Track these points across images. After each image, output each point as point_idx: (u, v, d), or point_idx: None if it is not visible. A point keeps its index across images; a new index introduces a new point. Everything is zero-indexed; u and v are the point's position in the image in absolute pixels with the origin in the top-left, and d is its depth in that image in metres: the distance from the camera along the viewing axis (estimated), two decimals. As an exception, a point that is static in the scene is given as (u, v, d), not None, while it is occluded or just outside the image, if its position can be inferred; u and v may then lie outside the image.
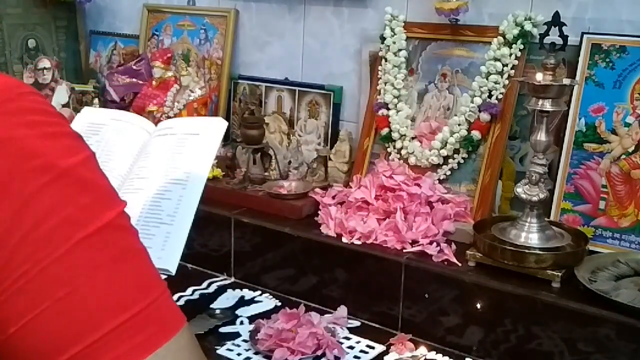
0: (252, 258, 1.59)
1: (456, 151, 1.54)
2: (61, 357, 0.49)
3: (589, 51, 1.42)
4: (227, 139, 1.94)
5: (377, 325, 1.41)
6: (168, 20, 2.10)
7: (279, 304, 1.50)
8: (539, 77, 1.28)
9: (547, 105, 1.27)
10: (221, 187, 1.69)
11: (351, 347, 1.33)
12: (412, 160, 1.58)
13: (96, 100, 2.04)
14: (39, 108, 0.53)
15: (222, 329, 1.39)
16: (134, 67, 2.02)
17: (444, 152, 1.54)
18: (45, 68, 2.03)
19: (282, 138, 1.88)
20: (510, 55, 1.48)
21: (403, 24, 1.63)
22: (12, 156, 0.49)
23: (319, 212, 1.55)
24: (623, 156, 1.38)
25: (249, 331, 1.36)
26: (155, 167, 1.21)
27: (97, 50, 2.28)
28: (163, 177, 1.19)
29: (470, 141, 1.51)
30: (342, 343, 1.33)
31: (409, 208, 1.46)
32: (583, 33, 1.43)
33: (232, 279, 1.62)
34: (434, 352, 1.31)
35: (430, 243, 1.40)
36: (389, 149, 1.63)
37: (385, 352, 1.32)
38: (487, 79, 1.50)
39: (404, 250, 1.40)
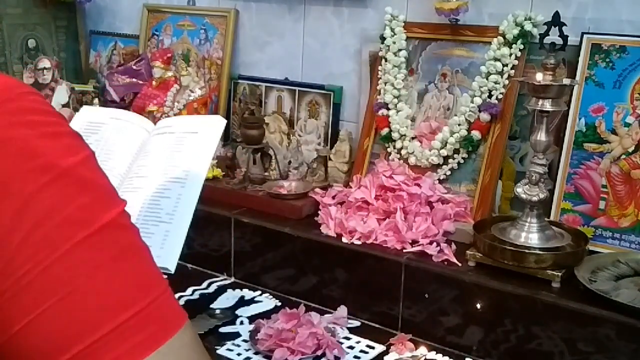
0: (252, 258, 1.59)
1: (456, 151, 1.54)
2: (63, 356, 0.49)
3: (589, 51, 1.42)
4: (227, 139, 1.94)
5: (377, 325, 1.41)
6: (168, 20, 2.10)
7: (279, 304, 1.50)
8: (539, 77, 1.28)
9: (547, 105, 1.27)
10: (221, 187, 1.69)
11: (351, 347, 1.33)
12: (412, 160, 1.58)
13: (96, 100, 2.04)
14: (38, 108, 0.53)
15: (222, 329, 1.39)
16: (134, 67, 2.02)
17: (444, 152, 1.54)
18: (45, 68, 2.03)
19: (282, 138, 1.88)
20: (510, 55, 1.48)
21: (403, 24, 1.63)
22: (12, 156, 0.49)
23: (319, 212, 1.55)
24: (623, 156, 1.38)
25: (249, 331, 1.35)
26: (155, 165, 1.21)
27: (97, 50, 2.28)
28: (162, 176, 1.19)
29: (470, 141, 1.51)
30: (342, 343, 1.33)
31: (409, 208, 1.46)
32: (583, 33, 1.43)
33: (232, 279, 1.62)
34: (434, 352, 1.31)
35: (430, 243, 1.40)
36: (389, 149, 1.63)
37: (385, 352, 1.32)
38: (487, 79, 1.50)
39: (404, 250, 1.40)
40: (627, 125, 1.38)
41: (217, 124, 1.23)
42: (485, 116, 1.49)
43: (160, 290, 0.53)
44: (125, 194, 1.16)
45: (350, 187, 1.59)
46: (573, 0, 1.47)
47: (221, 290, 1.57)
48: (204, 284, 1.59)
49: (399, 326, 1.38)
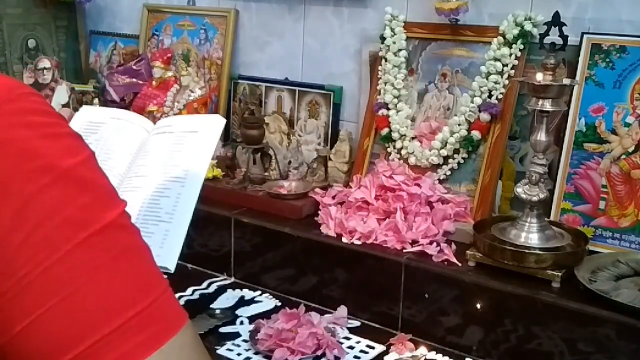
0: (252, 258, 1.59)
1: (456, 151, 1.54)
2: (65, 357, 0.49)
3: (589, 51, 1.42)
4: (227, 139, 1.94)
5: (377, 325, 1.41)
6: (168, 20, 2.10)
7: (279, 304, 1.50)
8: (539, 77, 1.28)
9: (547, 105, 1.27)
10: (221, 187, 1.69)
11: (351, 347, 1.33)
12: (412, 160, 1.58)
13: (96, 100, 2.04)
14: (38, 109, 0.53)
15: (222, 329, 1.39)
16: (134, 67, 2.02)
17: (444, 152, 1.54)
18: (45, 68, 2.03)
19: (282, 138, 1.88)
20: (510, 55, 1.48)
21: (403, 24, 1.63)
22: (12, 157, 0.50)
23: (319, 212, 1.55)
24: (623, 156, 1.38)
25: (249, 331, 1.35)
26: (154, 165, 1.21)
27: (97, 50, 2.28)
28: (162, 175, 1.19)
29: (470, 141, 1.51)
30: (342, 343, 1.33)
31: (409, 208, 1.46)
32: (583, 33, 1.43)
33: (232, 279, 1.62)
34: (434, 352, 1.31)
35: (430, 243, 1.40)
36: (389, 149, 1.63)
37: (385, 352, 1.32)
38: (487, 79, 1.50)
39: (404, 250, 1.40)
40: (627, 125, 1.38)
41: (216, 123, 1.23)
42: (485, 116, 1.49)
43: (161, 290, 0.53)
44: (124, 193, 1.16)
45: (350, 187, 1.59)
46: (573, 0, 1.47)
47: (221, 290, 1.57)
48: (204, 284, 1.59)
49: (399, 326, 1.38)
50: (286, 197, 1.63)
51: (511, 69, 1.49)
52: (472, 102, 1.51)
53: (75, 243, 0.49)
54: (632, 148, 1.37)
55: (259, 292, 1.56)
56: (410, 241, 1.41)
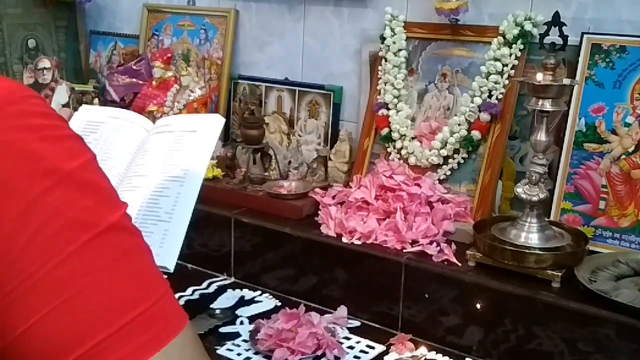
0: (252, 258, 1.59)
1: (456, 151, 1.54)
2: (68, 358, 0.49)
3: (589, 51, 1.42)
4: (227, 139, 1.94)
5: (377, 325, 1.41)
6: (168, 20, 2.10)
7: (279, 304, 1.50)
8: (539, 77, 1.28)
9: (547, 105, 1.27)
10: (221, 187, 1.69)
11: (351, 347, 1.33)
12: (412, 160, 1.58)
13: (96, 100, 2.04)
14: (40, 111, 0.53)
15: (222, 329, 1.39)
16: (134, 67, 2.02)
17: (444, 152, 1.54)
18: (45, 68, 2.03)
19: (282, 138, 1.88)
20: (510, 55, 1.48)
21: (403, 24, 1.63)
22: (14, 159, 0.50)
23: (319, 212, 1.55)
24: (623, 156, 1.38)
25: (249, 331, 1.35)
26: (153, 164, 1.21)
27: (97, 50, 2.28)
28: (161, 175, 1.19)
29: (470, 141, 1.51)
30: (342, 343, 1.33)
31: (409, 208, 1.46)
32: (583, 33, 1.43)
33: (232, 279, 1.62)
34: (434, 352, 1.31)
35: (430, 243, 1.40)
36: (389, 149, 1.63)
37: (385, 352, 1.32)
38: (487, 79, 1.50)
39: (404, 250, 1.40)
40: (627, 125, 1.38)
41: (216, 122, 1.23)
42: (485, 116, 1.49)
43: (163, 291, 0.53)
44: (124, 193, 1.16)
45: (350, 187, 1.59)
46: (573, 0, 1.47)
47: (221, 290, 1.57)
48: (204, 284, 1.59)
49: (399, 326, 1.38)
50: (286, 197, 1.63)
51: (511, 69, 1.49)
52: (472, 102, 1.51)
53: (78, 245, 0.50)
54: (632, 148, 1.37)
55: (259, 292, 1.56)
56: (410, 241, 1.41)
